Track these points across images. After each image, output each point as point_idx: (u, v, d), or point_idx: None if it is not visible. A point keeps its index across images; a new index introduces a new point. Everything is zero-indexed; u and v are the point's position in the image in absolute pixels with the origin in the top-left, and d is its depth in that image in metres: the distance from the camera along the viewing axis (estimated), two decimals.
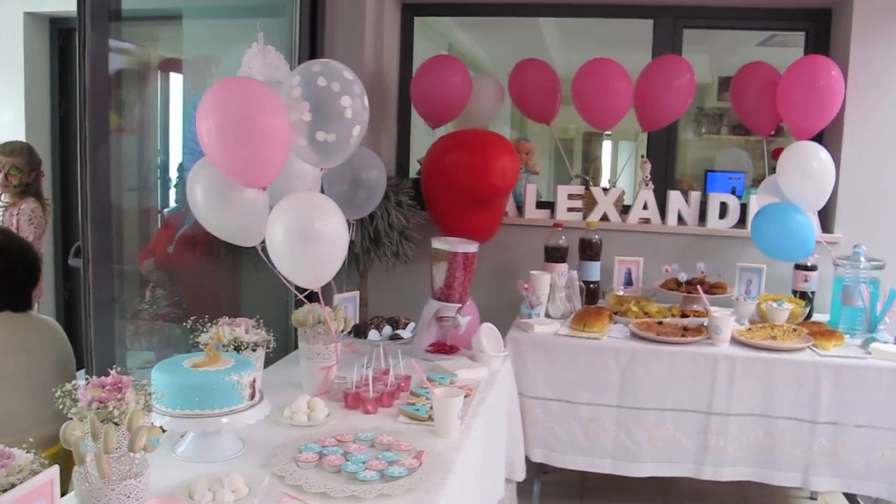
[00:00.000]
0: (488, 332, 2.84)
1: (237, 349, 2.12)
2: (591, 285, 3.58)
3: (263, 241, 2.33)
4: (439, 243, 2.88)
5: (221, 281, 3.51)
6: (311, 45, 3.68)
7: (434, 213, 3.58)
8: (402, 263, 3.58)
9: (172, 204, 3.47)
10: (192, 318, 2.23)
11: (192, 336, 2.20)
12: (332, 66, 2.38)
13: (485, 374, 2.68)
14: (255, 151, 2.15)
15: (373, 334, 2.77)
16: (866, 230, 3.45)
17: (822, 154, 3.36)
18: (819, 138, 3.69)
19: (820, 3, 3.81)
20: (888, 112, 3.57)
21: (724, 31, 4.52)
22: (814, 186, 3.37)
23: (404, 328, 2.86)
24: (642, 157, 3.90)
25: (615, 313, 3.32)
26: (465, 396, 2.42)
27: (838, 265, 3.33)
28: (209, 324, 2.22)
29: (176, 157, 3.40)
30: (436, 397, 2.14)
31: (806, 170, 3.35)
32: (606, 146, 7.92)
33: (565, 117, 4.17)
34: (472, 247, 2.88)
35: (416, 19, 4.26)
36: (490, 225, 3.61)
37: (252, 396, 1.88)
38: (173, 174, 3.43)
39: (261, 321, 2.31)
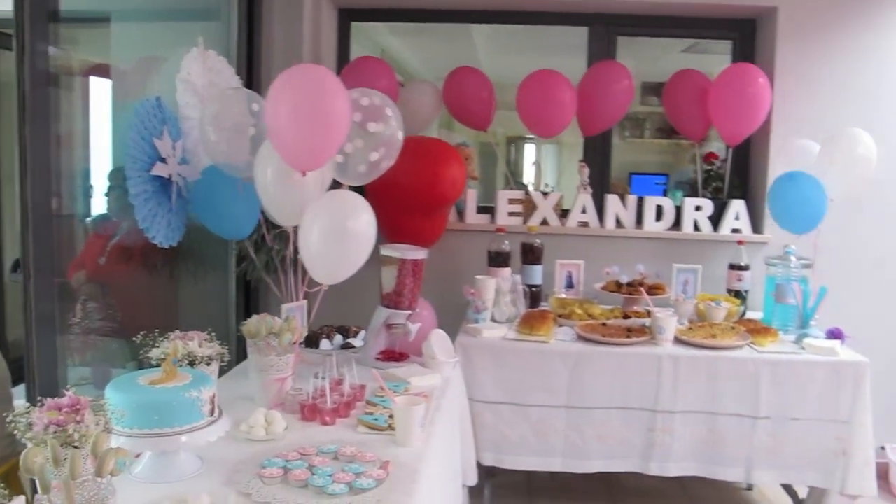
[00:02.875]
0: (439, 338, 2.84)
1: (191, 364, 2.06)
2: (534, 289, 3.61)
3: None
4: (388, 250, 2.87)
5: (158, 293, 3.41)
6: (249, 49, 3.62)
7: (378, 220, 3.54)
8: None
9: (97, 213, 3.34)
10: (130, 331, 2.17)
11: (141, 351, 2.13)
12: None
13: (438, 381, 2.68)
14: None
15: (324, 344, 2.73)
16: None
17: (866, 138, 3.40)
18: (747, 143, 3.82)
19: (745, 14, 3.94)
20: (812, 117, 3.71)
21: (647, 38, 4.64)
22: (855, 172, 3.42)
23: (355, 336, 2.83)
24: (580, 161, 3.96)
25: (559, 316, 3.36)
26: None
27: (771, 265, 3.45)
28: (160, 338, 2.15)
29: (104, 164, 3.28)
30: (397, 406, 2.12)
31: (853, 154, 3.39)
32: (529, 149, 8.03)
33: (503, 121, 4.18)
34: (421, 253, 2.88)
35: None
36: (435, 231, 3.61)
37: (212, 412, 1.82)
38: (100, 182, 3.30)
39: (213, 334, 2.25)
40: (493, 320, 3.34)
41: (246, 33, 3.62)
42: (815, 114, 3.77)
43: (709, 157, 4.05)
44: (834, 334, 3.16)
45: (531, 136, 7.08)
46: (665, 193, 4.18)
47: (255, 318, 2.39)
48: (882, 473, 3.83)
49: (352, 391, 2.37)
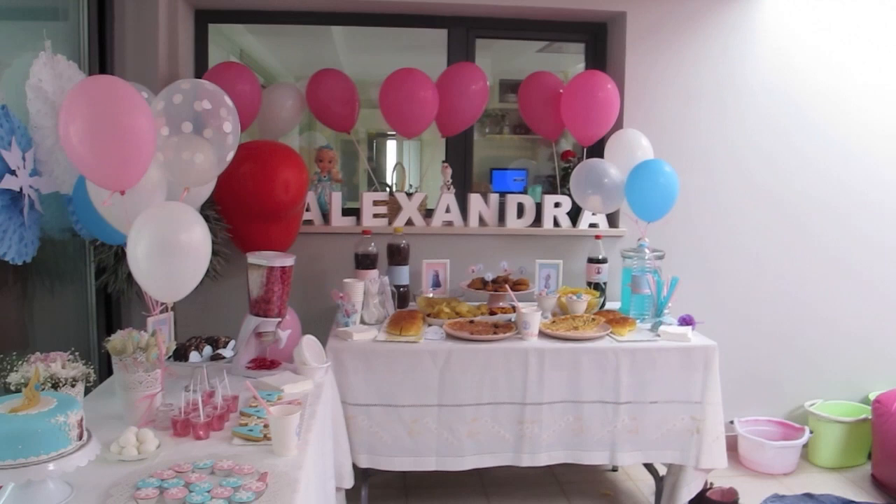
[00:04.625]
0: (310, 343, 2.83)
1: (54, 386, 1.97)
2: (402, 289, 3.65)
3: None
4: (255, 258, 2.82)
5: (9, 312, 3.21)
6: (101, 51, 3.46)
7: (230, 227, 3.49)
8: (210, 279, 3.45)
9: None
10: None
11: None
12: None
13: (310, 387, 2.68)
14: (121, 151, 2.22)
15: (193, 356, 2.68)
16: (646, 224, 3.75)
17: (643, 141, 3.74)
18: (602, 143, 3.99)
19: (596, 18, 4.11)
20: (661, 118, 3.93)
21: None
22: None
23: (224, 347, 2.78)
24: (443, 162, 4.03)
25: (427, 315, 3.41)
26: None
27: (626, 257, 3.63)
28: (17, 361, 2.04)
29: None
30: (272, 416, 2.10)
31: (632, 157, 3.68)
32: (391, 146, 8.04)
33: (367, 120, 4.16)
34: (288, 260, 2.86)
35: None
36: (285, 237, 3.54)
37: (80, 436, 1.75)
38: None
39: (76, 353, 2.16)
40: (363, 322, 3.36)
41: (97, 35, 3.46)
42: (663, 113, 3.99)
43: (566, 156, 4.20)
44: (685, 321, 3.36)
45: (392, 132, 7.12)
46: (525, 188, 4.31)
47: (120, 333, 2.31)
48: (731, 446, 4.11)
49: (224, 403, 2.33)
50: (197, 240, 2.44)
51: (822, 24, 4.11)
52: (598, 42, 4.20)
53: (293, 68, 5.83)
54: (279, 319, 2.88)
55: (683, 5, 3.98)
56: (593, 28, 4.19)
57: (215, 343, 2.77)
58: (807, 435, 4.06)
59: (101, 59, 3.50)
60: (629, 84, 3.96)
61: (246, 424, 2.25)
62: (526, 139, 5.62)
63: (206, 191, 2.90)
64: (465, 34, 4.10)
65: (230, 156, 2.57)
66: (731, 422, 4.16)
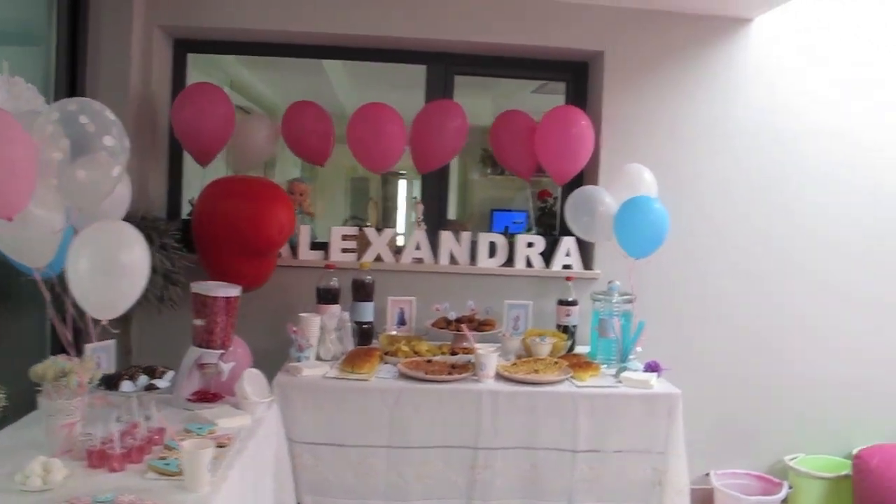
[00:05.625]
0: (252, 377, 2.77)
1: None
2: (365, 326, 3.58)
3: None
4: (199, 287, 2.78)
5: None
6: (71, 77, 3.47)
7: (204, 259, 3.44)
8: (168, 308, 3.41)
9: None
10: None
11: None
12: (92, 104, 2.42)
13: (248, 422, 2.61)
14: None
15: (126, 385, 2.60)
16: (622, 266, 3.66)
17: (646, 175, 3.60)
18: (579, 181, 3.93)
19: (576, 57, 4.07)
20: (636, 156, 3.85)
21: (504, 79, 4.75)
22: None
23: (161, 377, 2.71)
24: (415, 199, 3.98)
25: (387, 353, 3.33)
26: (221, 446, 2.35)
27: (595, 300, 3.54)
28: None
29: None
30: (183, 450, 2.04)
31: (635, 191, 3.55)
32: (402, 185, 8.05)
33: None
34: (233, 290, 2.81)
35: (196, 56, 4.17)
36: (262, 273, 3.51)
37: None
38: None
39: None
40: (319, 358, 3.29)
41: (67, 61, 3.47)
42: (641, 151, 3.91)
43: (542, 195, 4.14)
44: (651, 367, 3.25)
45: (403, 171, 7.13)
46: (527, 230, 4.20)
47: (48, 360, 2.27)
48: (707, 499, 3.98)
49: (147, 435, 2.27)
50: (136, 258, 2.49)
51: (814, 57, 4.06)
52: (580, 81, 4.15)
53: (290, 100, 5.86)
54: (222, 351, 2.83)
55: (664, 43, 3.95)
56: (575, 67, 4.15)
57: (152, 373, 2.70)
58: (785, 490, 3.91)
59: (72, 85, 3.51)
60: (607, 122, 3.91)
61: (165, 458, 2.18)
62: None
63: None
64: (443, 71, 4.07)
65: (117, 171, 2.46)
66: (707, 474, 4.02)
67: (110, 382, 2.60)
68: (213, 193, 3.41)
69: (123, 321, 3.42)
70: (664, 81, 3.97)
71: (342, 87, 5.89)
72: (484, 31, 3.86)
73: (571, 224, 3.71)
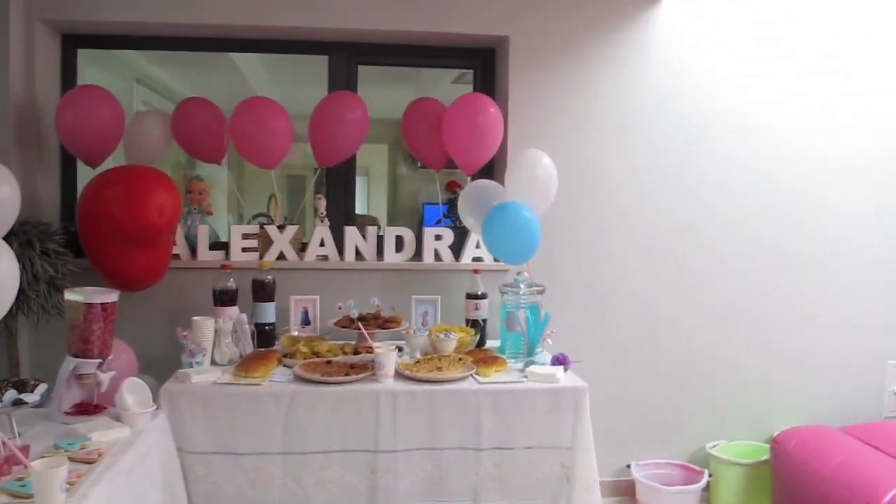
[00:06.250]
0: (133, 386, 2.64)
1: None
2: (267, 327, 3.44)
3: None
4: (72, 294, 2.63)
5: None
6: None
7: (93, 258, 3.25)
8: (54, 317, 3.23)
9: None
10: None
11: None
12: None
13: (126, 434, 2.48)
14: None
15: None
16: (535, 257, 3.58)
17: (545, 160, 3.43)
18: (490, 172, 3.83)
19: (482, 43, 3.97)
20: (544, 143, 3.75)
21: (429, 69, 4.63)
22: (540, 190, 3.45)
23: (32, 391, 2.55)
24: (316, 193, 3.85)
25: (285, 355, 3.20)
26: (89, 462, 2.22)
27: (503, 292, 3.45)
28: None
29: None
30: (31, 469, 1.90)
31: (532, 176, 3.42)
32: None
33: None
34: (110, 296, 2.66)
35: (98, 52, 4.00)
36: (154, 267, 3.34)
37: None
38: None
39: None
40: (214, 363, 3.15)
41: None
42: (551, 139, 3.83)
43: (451, 186, 4.04)
44: (558, 360, 3.16)
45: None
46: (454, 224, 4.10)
47: None
48: (629, 491, 3.93)
49: (5, 454, 2.12)
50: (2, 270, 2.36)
51: (719, 39, 4.01)
52: (487, 68, 4.05)
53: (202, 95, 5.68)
54: (100, 360, 2.67)
55: (570, 27, 3.86)
56: (482, 54, 4.05)
57: (23, 386, 2.53)
58: (705, 478, 3.86)
59: None
60: (514, 109, 3.82)
61: (22, 479, 2.04)
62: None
63: None
64: (345, 60, 3.93)
65: None
66: (629, 466, 3.97)
67: None
68: (92, 187, 3.22)
69: (6, 332, 3.26)
70: (571, 66, 3.88)
71: (259, 82, 5.71)
72: (387, 19, 3.73)
73: (466, 219, 3.60)
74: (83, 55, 3.94)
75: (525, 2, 3.81)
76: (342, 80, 3.92)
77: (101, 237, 3.20)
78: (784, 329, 4.14)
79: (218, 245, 3.77)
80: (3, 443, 2.08)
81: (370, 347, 3.26)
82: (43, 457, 2.14)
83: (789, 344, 4.14)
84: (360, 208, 6.97)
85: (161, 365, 3.25)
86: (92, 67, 4.36)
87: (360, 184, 7.19)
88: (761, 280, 4.11)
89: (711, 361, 4.08)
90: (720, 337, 4.09)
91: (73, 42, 3.85)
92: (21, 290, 3.08)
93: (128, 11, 3.63)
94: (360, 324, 3.25)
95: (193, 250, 3.69)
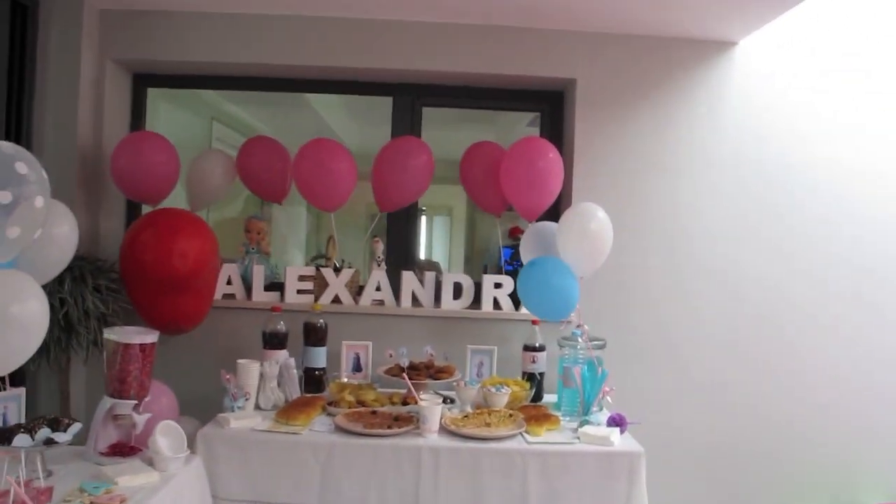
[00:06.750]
0: (167, 430, 2.57)
1: None
2: (317, 372, 3.36)
3: None
4: (110, 333, 2.60)
5: None
6: (14, 111, 3.35)
7: (133, 299, 3.27)
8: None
9: None
10: None
11: None
12: None
13: (154, 479, 2.41)
14: None
15: (20, 440, 2.42)
16: (597, 309, 3.41)
17: (599, 213, 3.25)
18: (556, 216, 3.68)
19: (549, 86, 3.86)
20: (610, 189, 3.61)
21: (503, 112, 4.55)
22: (590, 247, 3.27)
23: (65, 430, 2.52)
24: (373, 237, 3.77)
25: (331, 403, 3.10)
26: None
27: (561, 346, 3.28)
28: None
29: None
30: None
31: (584, 230, 3.24)
32: (422, 222, 7.86)
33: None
34: (148, 336, 2.62)
35: (177, 90, 4.10)
36: (186, 312, 3.31)
37: None
38: None
39: None
40: (258, 407, 3.08)
41: (6, 94, 3.34)
42: (616, 185, 3.68)
43: (513, 232, 3.91)
44: (615, 420, 2.97)
45: (424, 207, 6.93)
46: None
47: None
48: None
49: (22, 497, 2.08)
50: (31, 312, 2.26)
51: (801, 88, 3.78)
52: (555, 111, 3.93)
53: (283, 138, 5.75)
54: (136, 402, 2.63)
55: (641, 70, 3.72)
56: (550, 96, 3.93)
57: (57, 425, 2.51)
58: None
59: (18, 126, 3.39)
60: (578, 154, 3.67)
61: None
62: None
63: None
64: (410, 102, 3.88)
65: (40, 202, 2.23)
66: None
67: (3, 436, 2.42)
68: (133, 229, 3.25)
69: (57, 367, 3.29)
70: (641, 109, 3.73)
71: (336, 121, 5.73)
72: (451, 62, 3.67)
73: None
74: (162, 93, 4.01)
75: (594, 44, 3.69)
76: (406, 122, 3.88)
77: (137, 280, 3.21)
78: (874, 392, 3.81)
79: (275, 286, 3.72)
80: (14, 490, 2.03)
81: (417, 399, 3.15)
82: (65, 500, 2.11)
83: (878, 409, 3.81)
84: (439, 248, 6.92)
85: (205, 406, 3.19)
86: (168, 105, 4.45)
87: (442, 223, 7.19)
88: (860, 340, 3.81)
89: (779, 430, 3.79)
90: (804, 399, 3.79)
91: (143, 81, 3.92)
92: (72, 326, 3.12)
93: (199, 52, 3.68)
94: (405, 374, 3.12)
95: (249, 290, 3.66)
